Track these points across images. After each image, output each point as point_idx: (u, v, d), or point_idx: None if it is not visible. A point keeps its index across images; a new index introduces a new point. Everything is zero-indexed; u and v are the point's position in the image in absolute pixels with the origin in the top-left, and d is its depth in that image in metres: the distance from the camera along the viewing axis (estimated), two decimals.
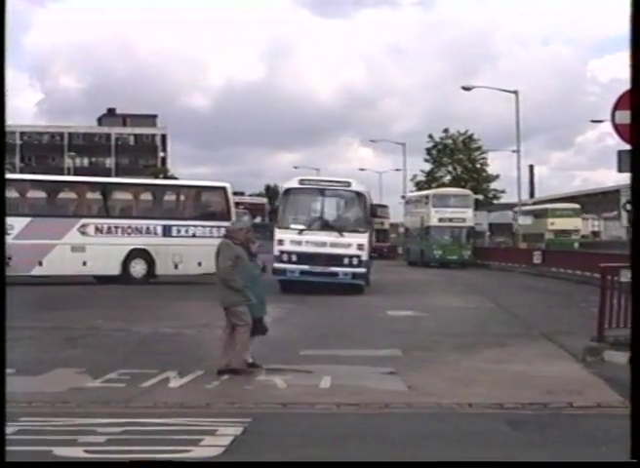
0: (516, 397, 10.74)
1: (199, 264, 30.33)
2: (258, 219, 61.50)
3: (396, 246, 73.37)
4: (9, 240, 29.62)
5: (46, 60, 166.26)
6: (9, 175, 43.23)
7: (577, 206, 72.63)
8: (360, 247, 27.64)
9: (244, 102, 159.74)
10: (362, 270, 27.89)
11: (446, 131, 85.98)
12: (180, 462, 7.68)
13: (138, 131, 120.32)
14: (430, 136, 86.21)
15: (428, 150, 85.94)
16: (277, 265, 27.52)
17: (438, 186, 74.60)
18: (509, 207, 66.88)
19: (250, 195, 73.34)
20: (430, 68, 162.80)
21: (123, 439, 8.37)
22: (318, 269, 27.27)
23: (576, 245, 62.96)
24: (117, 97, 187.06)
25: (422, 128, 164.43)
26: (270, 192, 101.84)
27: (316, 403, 10.33)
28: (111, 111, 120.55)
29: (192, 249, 31.05)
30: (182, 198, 34.63)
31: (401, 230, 70.67)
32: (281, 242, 27.75)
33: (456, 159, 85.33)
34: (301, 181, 28.86)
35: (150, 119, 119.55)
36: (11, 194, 31.17)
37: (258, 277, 13.16)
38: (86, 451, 7.91)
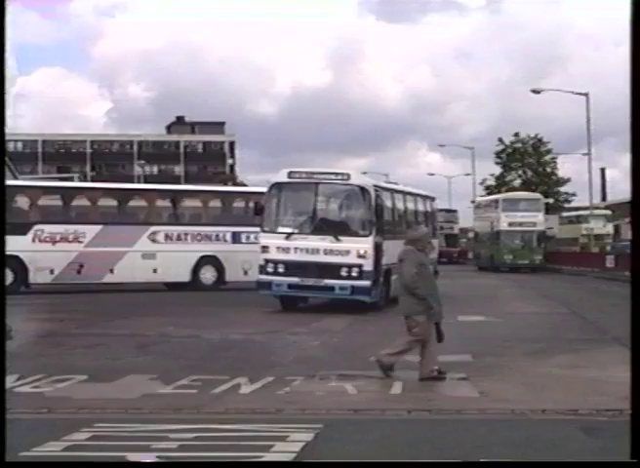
0: (590, 403, 10.57)
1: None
2: None
3: (466, 250, 72.94)
4: (80, 248, 30.09)
5: (115, 70, 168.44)
6: (82, 184, 43.93)
7: (608, 212, 73.26)
8: (362, 254, 22.65)
9: (311, 108, 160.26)
10: (365, 283, 22.64)
11: (516, 134, 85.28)
12: (181, 462, 7.66)
13: (206, 138, 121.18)
14: (500, 140, 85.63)
15: (498, 154, 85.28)
16: (261, 277, 23.34)
17: (508, 190, 73.98)
18: (579, 210, 66.53)
19: None
20: (499, 72, 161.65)
21: (195, 445, 8.39)
22: (310, 282, 22.65)
23: (607, 248, 62.21)
24: (185, 105, 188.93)
25: (491, 132, 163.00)
26: None
27: (387, 409, 10.27)
28: (180, 119, 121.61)
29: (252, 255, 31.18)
30: (251, 205, 34.74)
31: (471, 235, 70.26)
32: (266, 249, 23.25)
33: (526, 163, 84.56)
34: (291, 174, 23.76)
35: (218, 126, 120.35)
36: (82, 202, 31.62)
37: (435, 283, 13.07)
38: (159, 457, 7.95)
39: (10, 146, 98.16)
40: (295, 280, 22.83)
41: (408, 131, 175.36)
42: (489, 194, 77.32)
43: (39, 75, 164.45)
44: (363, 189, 23.20)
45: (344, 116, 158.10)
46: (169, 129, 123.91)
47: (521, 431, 9.30)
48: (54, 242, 29.88)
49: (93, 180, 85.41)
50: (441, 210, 55.80)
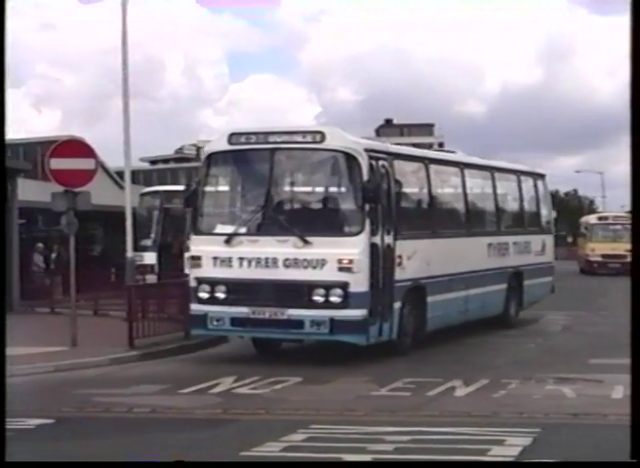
0: None
1: None
2: None
3: None
4: None
5: (323, 74, 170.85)
6: None
7: None
8: (346, 265, 13.75)
9: (521, 106, 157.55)
10: (354, 314, 13.71)
11: None
12: (180, 462, 7.55)
13: (415, 140, 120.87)
14: None
15: None
16: (192, 307, 14.71)
17: None
18: None
19: None
20: None
21: (411, 448, 8.34)
22: (264, 313, 14.05)
23: None
24: (393, 108, 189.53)
25: None
26: (552, 198, 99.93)
27: (609, 414, 9.91)
28: (389, 122, 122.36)
29: None
30: None
31: None
32: (196, 261, 14.63)
33: None
34: (233, 138, 14.75)
35: (427, 128, 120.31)
36: None
37: None
38: (374, 460, 7.94)
39: None
40: (241, 311, 14.11)
41: (623, 126, 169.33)
42: None
43: (250, 82, 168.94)
44: (348, 156, 14.13)
45: (556, 113, 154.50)
46: (377, 132, 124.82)
47: None
48: None
49: None
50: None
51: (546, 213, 21.93)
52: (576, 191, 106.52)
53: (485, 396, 11.16)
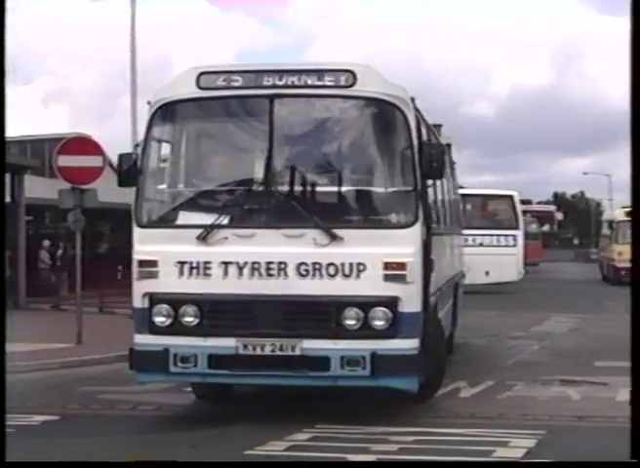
0: None
1: (486, 273, 29.95)
2: (546, 228, 60.50)
3: None
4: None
5: None
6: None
7: None
8: (397, 270, 9.19)
9: (530, 108, 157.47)
10: (406, 345, 9.20)
11: None
12: (180, 462, 7.56)
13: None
14: None
15: None
16: (139, 339, 9.50)
17: None
18: None
19: (538, 203, 72.23)
20: None
21: (415, 448, 8.36)
22: (264, 348, 9.22)
23: None
24: None
25: None
26: (559, 200, 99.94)
27: (614, 416, 9.89)
28: None
29: (479, 258, 30.68)
30: (469, 207, 34.40)
31: None
32: (148, 269, 9.47)
33: None
34: (204, 80, 9.64)
35: (436, 129, 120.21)
36: None
37: None
38: (378, 460, 7.95)
39: None
40: (224, 344, 9.25)
41: None
42: None
43: None
44: (391, 108, 9.57)
45: (564, 115, 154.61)
46: None
47: None
48: None
49: None
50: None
51: None
52: (583, 193, 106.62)
53: (490, 397, 11.14)
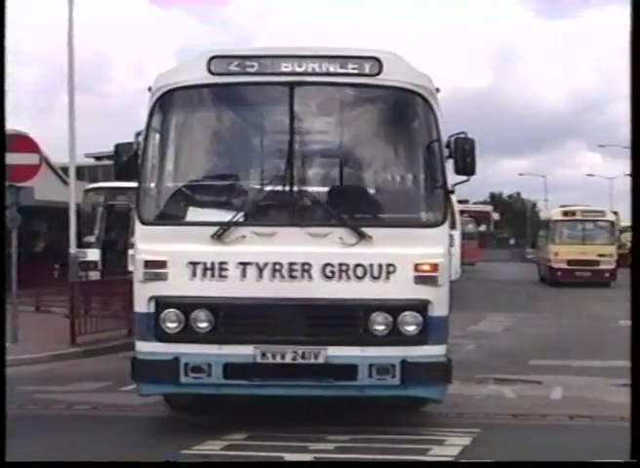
0: None
1: None
2: (483, 228, 60.96)
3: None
4: None
5: None
6: None
7: None
8: (430, 272, 8.70)
9: (467, 109, 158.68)
10: (436, 352, 8.76)
11: None
12: (179, 462, 7.60)
13: None
14: None
15: None
16: (145, 348, 8.75)
17: None
18: None
19: (474, 203, 72.73)
20: None
21: (352, 447, 8.37)
22: (285, 356, 8.63)
23: None
24: None
25: None
26: (495, 200, 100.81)
27: (548, 414, 10.04)
28: None
29: None
30: None
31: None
32: (157, 270, 8.72)
33: None
34: (216, 64, 8.95)
35: None
36: None
37: None
38: (315, 459, 7.96)
39: None
40: (242, 352, 8.65)
41: (567, 131, 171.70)
42: None
43: None
44: (419, 99, 9.07)
45: (502, 116, 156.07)
46: None
47: None
48: None
49: None
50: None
51: None
52: (519, 194, 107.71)
53: None
